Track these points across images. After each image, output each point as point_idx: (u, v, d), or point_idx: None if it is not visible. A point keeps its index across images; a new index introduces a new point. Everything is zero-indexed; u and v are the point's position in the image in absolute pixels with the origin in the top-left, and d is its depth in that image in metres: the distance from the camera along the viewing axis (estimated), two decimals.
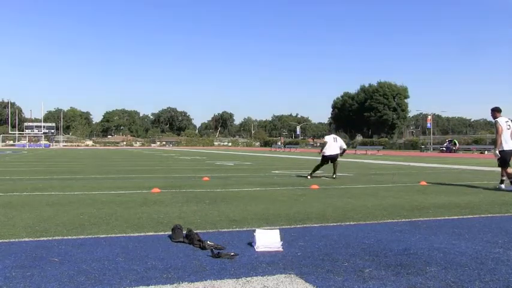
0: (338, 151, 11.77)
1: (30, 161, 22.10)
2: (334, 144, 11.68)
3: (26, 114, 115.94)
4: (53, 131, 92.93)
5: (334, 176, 11.18)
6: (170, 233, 4.03)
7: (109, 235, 4.10)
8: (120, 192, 7.71)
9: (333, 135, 12.10)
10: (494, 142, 9.12)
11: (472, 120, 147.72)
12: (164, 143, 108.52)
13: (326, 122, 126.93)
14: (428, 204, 6.35)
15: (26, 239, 3.91)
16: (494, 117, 9.00)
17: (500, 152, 8.79)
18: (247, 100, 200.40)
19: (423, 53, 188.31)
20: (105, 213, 5.31)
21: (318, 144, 73.77)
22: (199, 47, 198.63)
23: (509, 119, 9.10)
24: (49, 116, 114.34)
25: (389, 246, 3.73)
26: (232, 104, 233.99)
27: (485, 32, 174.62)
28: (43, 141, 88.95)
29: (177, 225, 4.02)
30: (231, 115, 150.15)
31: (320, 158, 11.73)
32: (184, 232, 3.93)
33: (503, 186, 8.64)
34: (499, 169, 8.93)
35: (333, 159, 11.52)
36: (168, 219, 4.95)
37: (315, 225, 4.69)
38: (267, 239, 3.61)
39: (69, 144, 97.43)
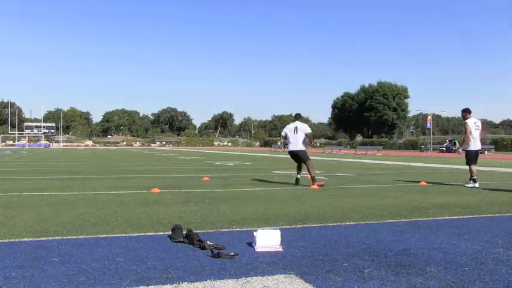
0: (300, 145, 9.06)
1: (30, 161, 22.08)
2: (294, 135, 9.12)
3: (26, 114, 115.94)
4: (52, 131, 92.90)
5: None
6: (170, 233, 4.03)
7: (109, 235, 4.10)
8: (120, 192, 7.71)
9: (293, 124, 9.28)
10: (463, 141, 9.60)
11: None
12: (164, 143, 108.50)
13: (326, 122, 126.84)
14: (428, 204, 6.35)
15: (26, 239, 3.91)
16: (465, 118, 9.45)
17: (467, 151, 9.32)
18: (247, 100, 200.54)
19: (423, 53, 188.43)
20: (105, 213, 5.31)
21: (318, 144, 73.72)
22: (199, 46, 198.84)
23: (478, 119, 9.52)
24: (49, 116, 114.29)
25: (389, 246, 3.73)
26: (232, 104, 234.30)
27: (486, 32, 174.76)
28: (43, 141, 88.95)
29: (177, 225, 4.02)
30: (231, 115, 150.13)
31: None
32: (184, 232, 3.93)
33: (471, 184, 8.93)
34: (498, 169, 8.99)
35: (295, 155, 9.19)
36: (168, 219, 4.95)
37: (315, 225, 4.69)
38: (267, 239, 3.61)
39: (69, 144, 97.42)
